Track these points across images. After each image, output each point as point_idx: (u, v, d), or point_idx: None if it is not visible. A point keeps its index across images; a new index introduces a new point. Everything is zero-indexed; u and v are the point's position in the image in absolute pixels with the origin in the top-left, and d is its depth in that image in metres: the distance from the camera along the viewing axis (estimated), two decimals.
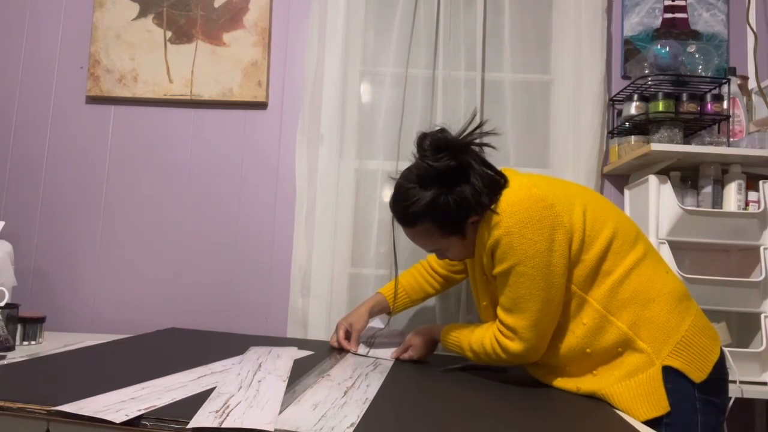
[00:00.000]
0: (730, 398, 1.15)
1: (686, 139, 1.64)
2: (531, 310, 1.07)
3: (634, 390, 1.03)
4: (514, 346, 1.09)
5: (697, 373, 1.03)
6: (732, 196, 1.54)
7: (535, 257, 1.05)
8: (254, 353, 1.30)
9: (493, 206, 1.09)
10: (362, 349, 1.42)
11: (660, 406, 1.01)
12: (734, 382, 1.38)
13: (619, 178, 1.81)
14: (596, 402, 1.06)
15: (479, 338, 1.16)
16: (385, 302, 1.48)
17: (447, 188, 1.10)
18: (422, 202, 1.11)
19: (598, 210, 1.12)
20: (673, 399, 1.01)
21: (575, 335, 1.09)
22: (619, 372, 1.06)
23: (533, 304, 1.06)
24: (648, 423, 0.99)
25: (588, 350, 1.08)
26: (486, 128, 1.14)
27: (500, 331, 1.12)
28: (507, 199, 1.08)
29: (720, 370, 1.07)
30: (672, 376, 1.03)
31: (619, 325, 1.06)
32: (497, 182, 1.11)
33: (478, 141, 1.14)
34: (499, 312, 1.13)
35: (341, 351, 1.42)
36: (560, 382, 1.14)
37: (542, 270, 1.05)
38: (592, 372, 1.10)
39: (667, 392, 1.01)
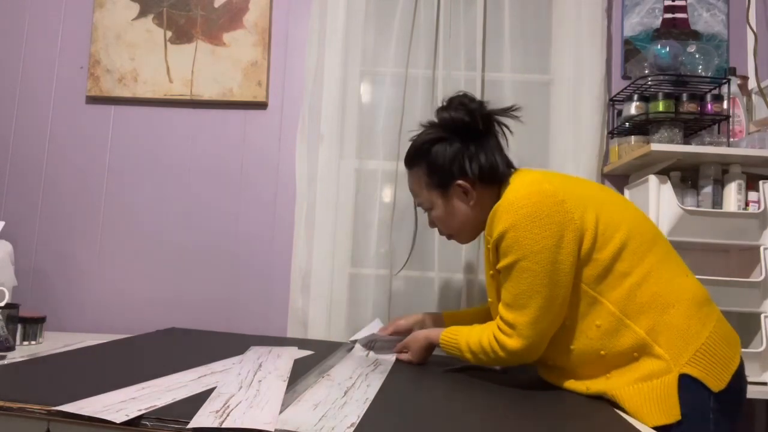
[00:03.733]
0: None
1: (686, 139, 1.64)
2: (532, 307, 1.04)
3: (646, 393, 0.99)
4: (513, 343, 1.06)
5: (716, 382, 0.99)
6: (732, 196, 1.54)
7: (540, 253, 1.02)
8: (254, 353, 1.30)
9: (499, 192, 1.13)
10: (362, 351, 1.42)
11: (671, 413, 0.96)
12: None
13: (619, 178, 1.81)
14: (599, 403, 1.04)
15: (477, 338, 1.13)
16: (441, 319, 1.44)
17: (450, 137, 1.17)
18: (425, 138, 1.20)
19: (614, 208, 1.09)
20: (686, 408, 0.97)
21: (588, 337, 1.06)
22: (633, 375, 1.02)
23: (535, 300, 1.03)
24: (656, 429, 0.95)
25: (602, 352, 1.04)
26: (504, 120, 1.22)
27: (499, 328, 1.09)
28: (516, 191, 1.07)
29: (738, 380, 1.03)
30: (688, 385, 0.98)
31: (636, 330, 1.02)
32: (495, 168, 1.16)
33: (499, 120, 1.20)
34: (500, 307, 1.10)
35: (341, 351, 1.42)
36: (571, 384, 1.11)
37: (547, 267, 1.02)
38: (606, 375, 1.06)
39: (681, 400, 0.97)
